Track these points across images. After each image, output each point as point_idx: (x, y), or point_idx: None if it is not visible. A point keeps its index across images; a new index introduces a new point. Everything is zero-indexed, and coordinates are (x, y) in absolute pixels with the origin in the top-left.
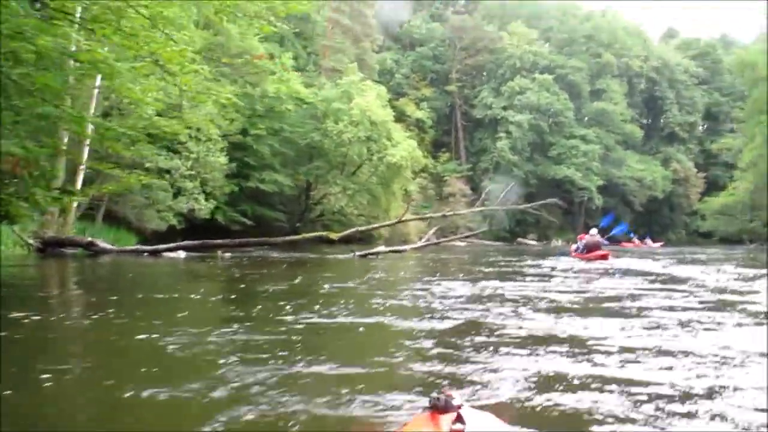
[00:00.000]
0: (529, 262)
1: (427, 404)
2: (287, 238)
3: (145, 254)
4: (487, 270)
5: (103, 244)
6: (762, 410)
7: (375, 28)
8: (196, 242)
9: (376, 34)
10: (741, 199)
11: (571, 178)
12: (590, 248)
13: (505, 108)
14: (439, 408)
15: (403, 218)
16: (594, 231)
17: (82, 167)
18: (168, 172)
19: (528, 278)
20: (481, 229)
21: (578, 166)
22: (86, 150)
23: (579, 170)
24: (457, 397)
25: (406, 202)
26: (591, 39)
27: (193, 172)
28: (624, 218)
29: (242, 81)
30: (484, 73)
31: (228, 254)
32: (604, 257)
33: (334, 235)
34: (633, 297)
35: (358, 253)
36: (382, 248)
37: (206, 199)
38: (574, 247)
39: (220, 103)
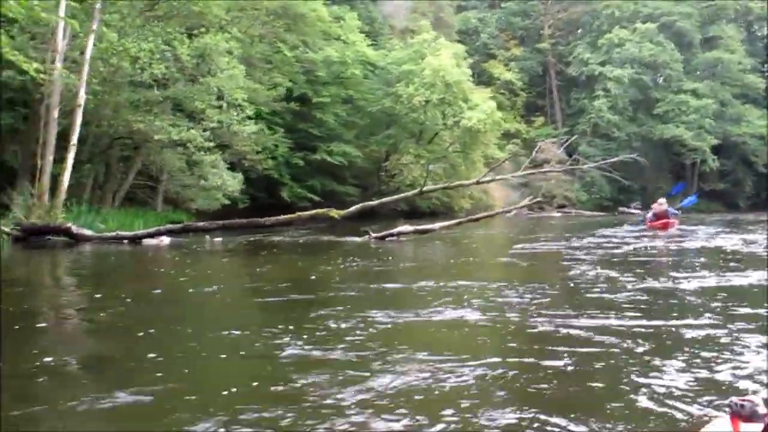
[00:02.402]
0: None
1: (727, 409)
2: (280, 218)
3: (125, 242)
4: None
5: (79, 230)
6: None
7: None
8: (177, 226)
9: None
10: None
11: (680, 137)
12: (658, 216)
13: (603, 63)
14: (742, 415)
15: (424, 188)
16: (662, 200)
17: (73, 143)
18: (184, 145)
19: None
20: (528, 199)
21: (689, 125)
22: (78, 123)
23: (690, 129)
24: (762, 405)
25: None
26: None
27: (211, 144)
28: (745, 181)
29: (302, 45)
30: (579, 29)
31: (218, 239)
32: (665, 225)
33: (335, 213)
34: None
35: (374, 235)
36: (405, 227)
37: (234, 175)
38: (648, 215)
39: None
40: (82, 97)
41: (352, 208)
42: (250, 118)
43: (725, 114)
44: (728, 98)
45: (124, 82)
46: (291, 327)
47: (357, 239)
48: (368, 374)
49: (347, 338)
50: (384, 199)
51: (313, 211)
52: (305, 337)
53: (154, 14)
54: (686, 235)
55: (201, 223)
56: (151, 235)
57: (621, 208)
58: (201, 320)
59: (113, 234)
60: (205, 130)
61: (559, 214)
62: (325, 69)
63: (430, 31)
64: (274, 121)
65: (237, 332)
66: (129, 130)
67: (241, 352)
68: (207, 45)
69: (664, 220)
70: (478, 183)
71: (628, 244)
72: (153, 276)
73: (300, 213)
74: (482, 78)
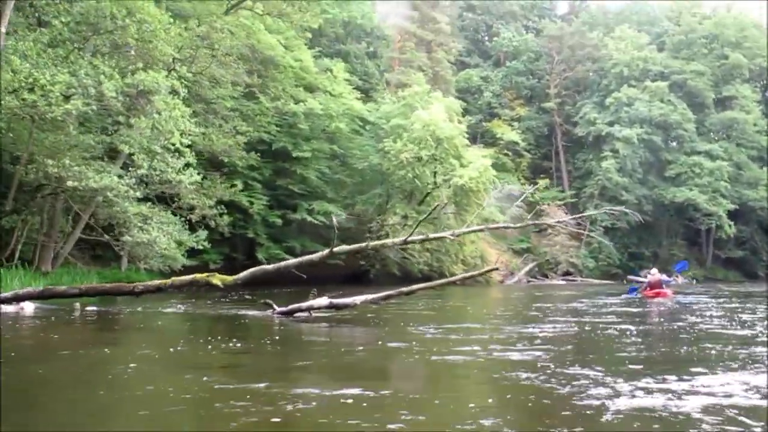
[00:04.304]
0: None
1: None
2: (149, 284)
3: None
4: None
5: None
6: None
7: (450, 35)
8: (35, 289)
9: (452, 43)
10: None
11: (694, 201)
12: (652, 286)
13: (611, 123)
14: None
15: (335, 249)
16: (654, 270)
17: None
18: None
19: None
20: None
21: (703, 188)
22: None
23: (704, 192)
24: None
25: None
26: (715, 39)
27: (137, 194)
28: (764, 249)
29: (284, 95)
30: (586, 88)
31: (92, 307)
32: (658, 294)
33: (218, 280)
34: None
35: (279, 309)
36: (319, 301)
37: (191, 231)
38: (643, 283)
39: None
40: None
41: (243, 273)
42: (189, 165)
43: (742, 177)
44: (744, 161)
45: (46, 120)
46: None
47: (256, 313)
48: None
49: None
50: (283, 263)
51: (190, 276)
52: None
53: (93, 48)
54: (680, 311)
55: (61, 287)
56: (8, 301)
57: (629, 276)
58: None
59: None
60: (136, 179)
61: (563, 282)
62: (307, 122)
63: (424, 84)
64: (251, 176)
65: None
66: (47, 175)
67: None
68: (142, 81)
69: (657, 290)
70: (405, 243)
71: (609, 323)
72: None
73: (174, 278)
74: (485, 138)
